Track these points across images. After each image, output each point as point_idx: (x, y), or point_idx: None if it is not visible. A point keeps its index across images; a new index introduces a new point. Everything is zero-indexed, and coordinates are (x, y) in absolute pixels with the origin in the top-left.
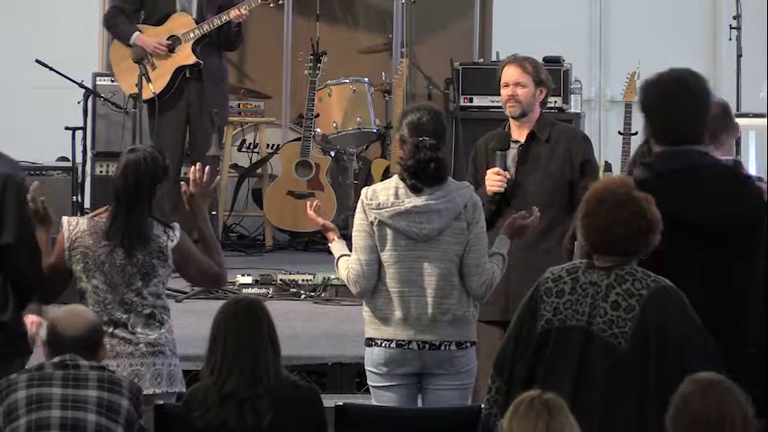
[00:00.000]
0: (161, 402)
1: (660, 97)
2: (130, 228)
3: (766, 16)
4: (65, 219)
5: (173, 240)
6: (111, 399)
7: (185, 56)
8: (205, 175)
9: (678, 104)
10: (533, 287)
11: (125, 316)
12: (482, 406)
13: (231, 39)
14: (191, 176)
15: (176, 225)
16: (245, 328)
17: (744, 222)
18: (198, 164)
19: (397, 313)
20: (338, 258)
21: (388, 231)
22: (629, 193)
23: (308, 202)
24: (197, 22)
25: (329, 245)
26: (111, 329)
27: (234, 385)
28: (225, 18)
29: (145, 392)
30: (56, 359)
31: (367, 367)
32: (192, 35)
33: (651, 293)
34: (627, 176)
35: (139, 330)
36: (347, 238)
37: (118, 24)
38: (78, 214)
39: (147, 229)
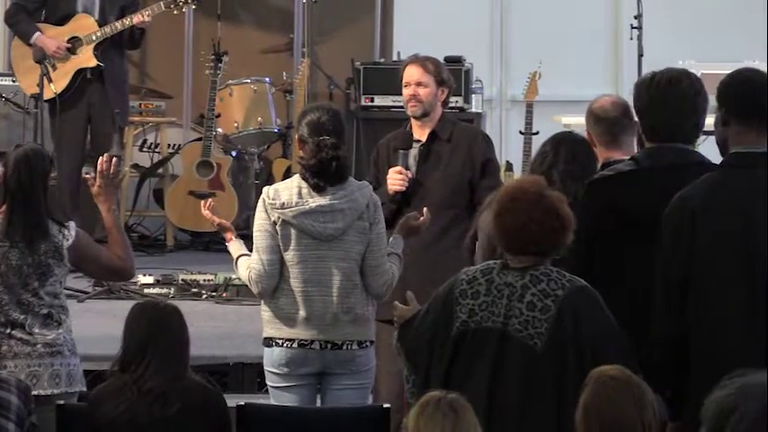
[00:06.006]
0: (62, 402)
1: (651, 96)
2: (29, 222)
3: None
4: None
5: (68, 239)
6: None
7: (87, 58)
8: (111, 167)
9: (669, 104)
10: (447, 288)
11: (22, 317)
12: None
13: (136, 40)
14: (98, 168)
15: (72, 224)
16: (159, 331)
17: None
18: (105, 155)
19: (301, 313)
20: (237, 258)
21: (292, 231)
22: (542, 191)
23: (203, 202)
24: (99, 24)
25: (227, 244)
26: (8, 330)
27: (152, 383)
28: (127, 22)
29: (43, 393)
30: None
31: (267, 368)
32: (94, 37)
33: (567, 294)
34: (539, 176)
35: (37, 331)
36: (248, 237)
37: (19, 23)
38: None
39: (46, 223)
